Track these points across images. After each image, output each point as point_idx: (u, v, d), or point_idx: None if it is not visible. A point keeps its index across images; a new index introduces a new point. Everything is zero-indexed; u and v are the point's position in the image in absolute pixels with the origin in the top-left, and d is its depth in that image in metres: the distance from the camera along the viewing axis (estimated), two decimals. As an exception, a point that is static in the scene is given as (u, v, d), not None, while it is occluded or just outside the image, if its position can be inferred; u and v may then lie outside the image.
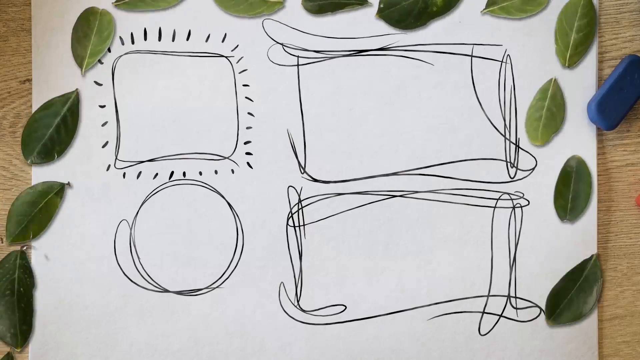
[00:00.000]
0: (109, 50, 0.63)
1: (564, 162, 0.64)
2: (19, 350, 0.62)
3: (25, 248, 0.63)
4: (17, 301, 0.62)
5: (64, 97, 0.63)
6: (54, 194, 0.63)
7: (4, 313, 0.62)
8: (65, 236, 0.63)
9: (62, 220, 0.63)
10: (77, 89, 0.63)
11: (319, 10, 0.63)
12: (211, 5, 0.63)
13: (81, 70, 0.63)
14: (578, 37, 0.63)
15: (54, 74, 0.63)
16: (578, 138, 0.64)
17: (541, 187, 0.64)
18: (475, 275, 0.64)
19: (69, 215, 0.63)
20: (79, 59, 0.63)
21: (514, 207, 0.64)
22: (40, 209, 0.63)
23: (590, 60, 0.64)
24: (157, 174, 0.64)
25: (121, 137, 0.64)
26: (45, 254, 0.63)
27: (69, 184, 0.63)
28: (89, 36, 0.63)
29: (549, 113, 0.63)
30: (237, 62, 0.64)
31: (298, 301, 0.64)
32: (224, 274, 0.64)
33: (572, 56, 0.63)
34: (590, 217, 0.64)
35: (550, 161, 0.64)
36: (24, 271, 0.63)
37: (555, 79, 0.64)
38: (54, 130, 0.63)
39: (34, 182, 0.63)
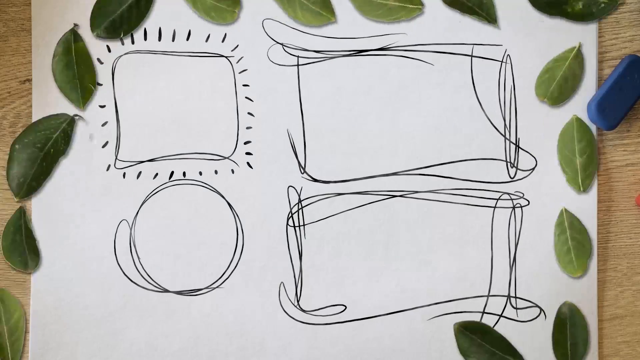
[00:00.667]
0: (109, 50, 0.63)
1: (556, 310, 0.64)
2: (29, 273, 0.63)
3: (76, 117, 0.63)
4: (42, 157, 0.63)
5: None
6: (74, 42, 0.63)
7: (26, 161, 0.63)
8: (65, 235, 0.63)
9: (63, 219, 0.63)
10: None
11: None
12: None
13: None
14: (583, 160, 0.63)
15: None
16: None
17: (541, 187, 0.64)
18: (475, 275, 0.64)
19: (69, 215, 0.63)
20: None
21: (514, 207, 0.64)
22: (78, 63, 0.63)
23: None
24: (157, 174, 0.64)
25: (121, 137, 0.64)
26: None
27: (75, 25, 0.63)
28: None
29: (575, 242, 0.63)
30: (237, 62, 0.64)
31: (298, 301, 0.64)
32: (224, 274, 0.64)
33: (584, 180, 0.63)
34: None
35: (550, 161, 0.64)
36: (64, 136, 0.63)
37: (565, 209, 0.64)
38: (125, 8, 0.62)
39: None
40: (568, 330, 0.63)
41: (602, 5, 0.63)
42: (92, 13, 0.62)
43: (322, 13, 0.63)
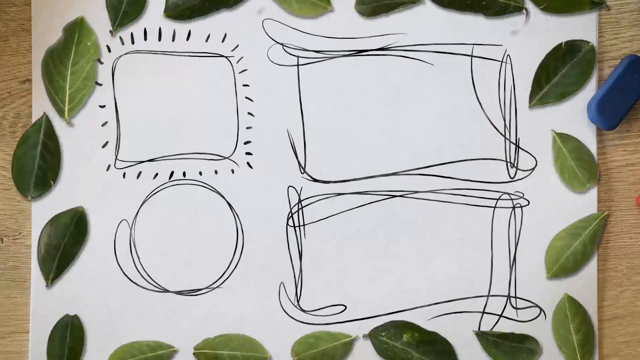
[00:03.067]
0: (109, 50, 0.63)
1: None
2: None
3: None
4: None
5: (36, 125, 0.63)
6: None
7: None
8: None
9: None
10: (44, 113, 0.63)
11: (372, 13, 0.63)
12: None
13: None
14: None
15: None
16: (578, 138, 0.64)
17: (541, 187, 0.64)
18: (475, 275, 0.64)
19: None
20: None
21: (514, 207, 0.64)
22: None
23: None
24: (157, 174, 0.64)
25: (121, 137, 0.64)
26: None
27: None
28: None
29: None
30: (237, 62, 0.64)
31: (298, 301, 0.64)
32: (224, 274, 0.64)
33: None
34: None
35: (550, 161, 0.64)
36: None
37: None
38: (39, 159, 0.63)
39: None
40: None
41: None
42: (14, 181, 0.63)
43: (318, 2, 0.63)
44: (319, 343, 0.63)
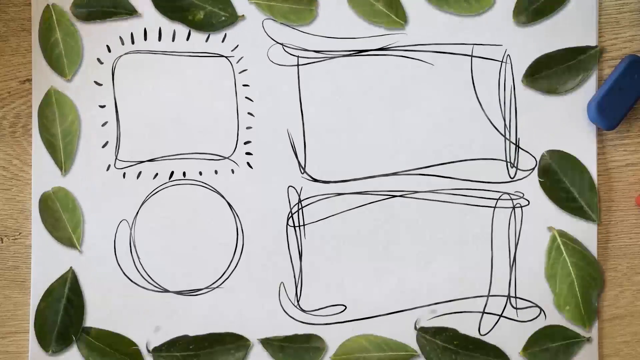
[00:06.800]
0: (109, 50, 0.63)
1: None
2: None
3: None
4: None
5: (62, 279, 0.63)
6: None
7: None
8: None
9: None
10: (71, 267, 0.63)
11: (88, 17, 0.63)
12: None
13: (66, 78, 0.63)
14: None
15: (53, 73, 0.63)
16: (578, 138, 0.64)
17: (541, 187, 0.64)
18: (475, 275, 0.64)
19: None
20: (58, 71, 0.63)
21: (514, 207, 0.64)
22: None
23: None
24: (157, 174, 0.64)
25: (121, 137, 0.64)
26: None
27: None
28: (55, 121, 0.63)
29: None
30: (237, 62, 0.64)
31: (298, 301, 0.64)
32: (224, 274, 0.64)
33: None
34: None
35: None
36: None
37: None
38: (63, 314, 0.63)
39: (34, 184, 0.63)
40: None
41: (223, 18, 0.63)
42: (36, 335, 0.63)
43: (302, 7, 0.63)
44: None
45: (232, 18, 0.63)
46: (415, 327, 0.63)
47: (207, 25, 0.63)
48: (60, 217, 0.63)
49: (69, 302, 0.62)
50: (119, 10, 0.63)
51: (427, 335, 0.63)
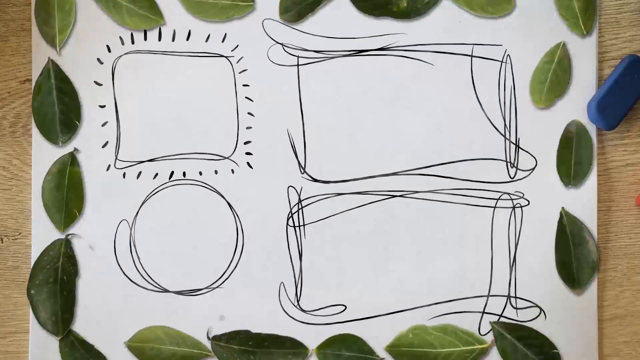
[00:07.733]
0: (109, 50, 0.63)
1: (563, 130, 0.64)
2: (59, 337, 0.63)
3: (70, 237, 0.63)
4: (59, 289, 0.62)
5: (45, 71, 0.63)
6: (70, 165, 0.63)
7: (46, 301, 0.62)
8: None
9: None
10: (48, 58, 0.62)
11: (297, 17, 0.63)
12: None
13: (56, 49, 0.63)
14: (580, 3, 0.63)
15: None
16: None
17: (541, 187, 0.64)
18: (475, 275, 0.64)
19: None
20: (49, 38, 0.63)
21: (514, 207, 0.64)
22: (69, 186, 0.63)
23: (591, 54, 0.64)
24: (157, 174, 0.64)
25: (121, 137, 0.64)
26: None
27: (75, 149, 0.63)
28: (53, 14, 0.63)
29: (555, 76, 0.63)
30: (237, 62, 0.64)
31: (298, 301, 0.64)
32: (224, 274, 0.64)
33: (585, 22, 0.63)
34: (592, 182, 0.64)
35: (550, 161, 0.64)
36: (68, 260, 0.62)
37: (564, 43, 0.63)
38: (58, 103, 0.63)
39: (33, 182, 0.63)
40: (573, 147, 0.63)
41: (426, 0, 0.63)
42: (42, 135, 0.63)
43: (150, 16, 0.63)
44: None
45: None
46: (208, 337, 0.63)
47: (413, 12, 0.63)
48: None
49: (60, 92, 0.62)
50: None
51: (222, 342, 0.63)
